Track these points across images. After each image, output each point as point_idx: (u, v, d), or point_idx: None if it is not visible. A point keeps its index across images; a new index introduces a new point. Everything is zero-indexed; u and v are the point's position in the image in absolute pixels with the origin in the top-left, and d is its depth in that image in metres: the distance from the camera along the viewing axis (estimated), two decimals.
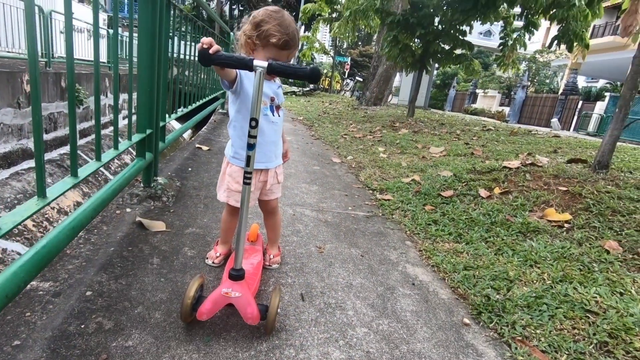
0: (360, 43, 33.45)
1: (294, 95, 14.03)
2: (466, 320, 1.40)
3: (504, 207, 2.34)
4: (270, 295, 1.21)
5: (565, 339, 1.27)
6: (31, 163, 5.20)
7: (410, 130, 5.82)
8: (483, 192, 2.58)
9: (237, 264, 1.11)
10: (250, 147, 1.04)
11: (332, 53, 19.12)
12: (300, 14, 14.75)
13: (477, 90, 22.10)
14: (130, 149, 1.80)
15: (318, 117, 7.56)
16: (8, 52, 7.34)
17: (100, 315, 1.13)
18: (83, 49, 8.76)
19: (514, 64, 7.50)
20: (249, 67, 0.97)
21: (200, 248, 1.64)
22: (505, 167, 3.02)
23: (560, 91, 17.08)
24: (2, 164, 5.39)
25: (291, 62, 1.36)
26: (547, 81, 23.72)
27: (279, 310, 1.21)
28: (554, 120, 14.89)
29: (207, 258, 1.54)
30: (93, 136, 2.55)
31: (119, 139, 1.62)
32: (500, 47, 7.31)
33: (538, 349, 1.25)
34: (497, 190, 2.59)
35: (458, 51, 7.24)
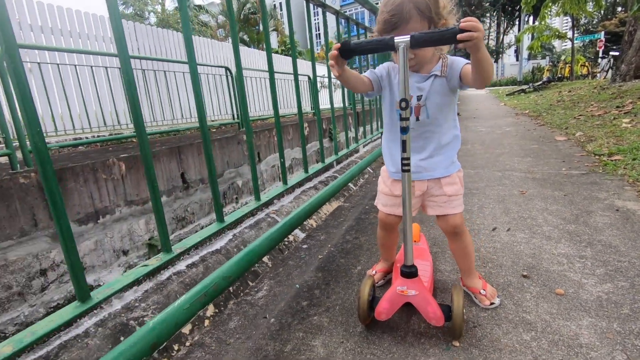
0: (621, 9, 26.15)
1: (522, 94, 12.71)
2: None
3: None
4: (451, 295, 1.03)
5: None
6: (310, 184, 7.51)
7: None
8: None
9: (408, 260, 1.02)
10: (404, 130, 0.95)
11: (569, 35, 16.03)
12: (523, 5, 13.58)
13: None
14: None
15: (549, 107, 6.93)
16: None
17: (342, 257, 2.06)
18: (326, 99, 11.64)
19: None
20: (391, 45, 0.92)
21: None
22: None
23: None
24: (295, 186, 8.01)
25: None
26: None
27: (464, 311, 1.07)
28: None
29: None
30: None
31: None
32: None
33: None
34: None
35: None
